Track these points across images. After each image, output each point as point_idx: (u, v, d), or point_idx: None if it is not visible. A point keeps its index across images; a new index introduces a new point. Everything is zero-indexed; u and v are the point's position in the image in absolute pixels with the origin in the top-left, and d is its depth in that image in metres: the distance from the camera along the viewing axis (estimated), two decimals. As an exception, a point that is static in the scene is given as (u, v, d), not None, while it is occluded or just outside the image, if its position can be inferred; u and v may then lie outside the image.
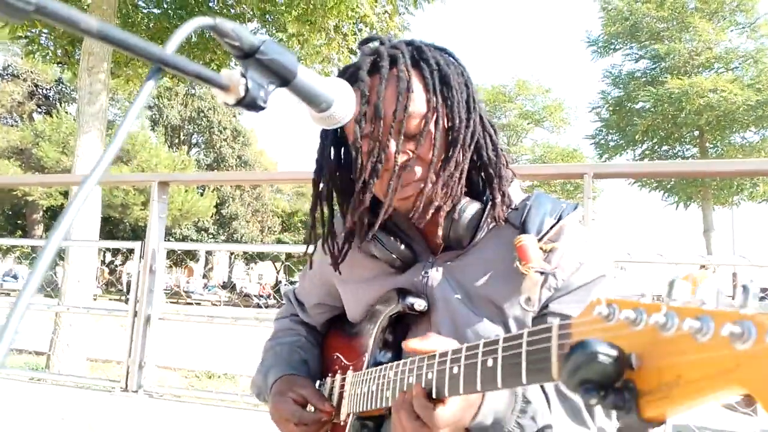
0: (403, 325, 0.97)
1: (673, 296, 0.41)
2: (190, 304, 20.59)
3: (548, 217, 0.92)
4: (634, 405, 0.41)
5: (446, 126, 0.91)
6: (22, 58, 23.82)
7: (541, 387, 0.82)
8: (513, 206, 0.96)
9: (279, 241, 31.73)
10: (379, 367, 0.89)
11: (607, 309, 0.45)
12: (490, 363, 0.63)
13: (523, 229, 0.92)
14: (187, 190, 26.34)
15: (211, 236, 30.97)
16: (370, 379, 0.91)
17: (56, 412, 2.40)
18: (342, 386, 1.04)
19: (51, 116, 26.17)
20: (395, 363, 0.84)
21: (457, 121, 0.90)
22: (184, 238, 27.35)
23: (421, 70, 0.91)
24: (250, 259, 35.14)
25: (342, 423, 1.00)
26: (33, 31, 7.58)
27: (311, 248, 1.08)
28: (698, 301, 0.39)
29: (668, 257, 2.18)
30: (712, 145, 19.54)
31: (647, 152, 20.31)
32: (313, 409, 1.02)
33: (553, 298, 0.90)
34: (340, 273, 1.07)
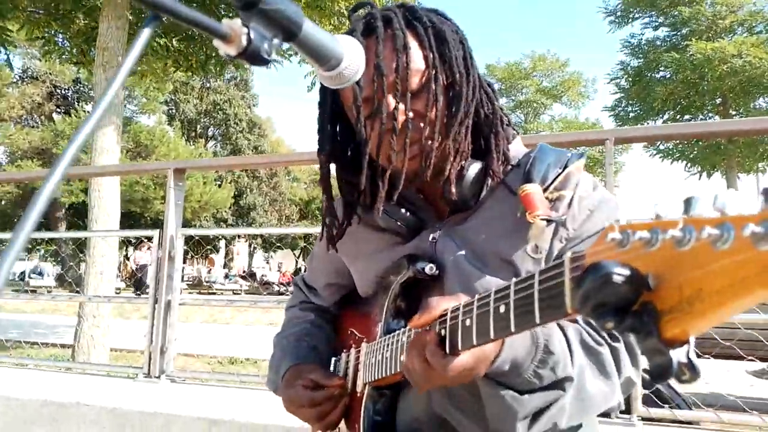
0: (415, 291, 0.95)
1: (691, 212, 0.38)
2: (213, 293, 20.88)
3: (553, 167, 0.91)
4: (654, 327, 0.39)
5: (446, 82, 0.90)
6: (40, 60, 24.12)
7: (566, 340, 0.79)
8: (515, 162, 0.96)
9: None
10: (393, 334, 0.88)
11: (620, 235, 0.42)
12: (502, 309, 0.61)
13: (527, 179, 0.90)
14: (205, 182, 26.59)
15: (230, 227, 31.30)
16: (384, 346, 0.90)
17: (82, 399, 2.43)
18: (357, 358, 1.03)
19: (70, 116, 26.56)
20: (408, 328, 0.82)
21: (457, 76, 0.90)
22: (204, 230, 27.61)
23: (415, 28, 0.90)
24: (268, 247, 35.47)
25: (359, 394, 0.99)
26: (49, 31, 7.64)
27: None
28: (718, 211, 0.36)
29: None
30: (735, 112, 19.07)
31: (668, 122, 19.92)
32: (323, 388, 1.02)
33: (567, 249, 0.88)
34: (336, 251, 1.06)
